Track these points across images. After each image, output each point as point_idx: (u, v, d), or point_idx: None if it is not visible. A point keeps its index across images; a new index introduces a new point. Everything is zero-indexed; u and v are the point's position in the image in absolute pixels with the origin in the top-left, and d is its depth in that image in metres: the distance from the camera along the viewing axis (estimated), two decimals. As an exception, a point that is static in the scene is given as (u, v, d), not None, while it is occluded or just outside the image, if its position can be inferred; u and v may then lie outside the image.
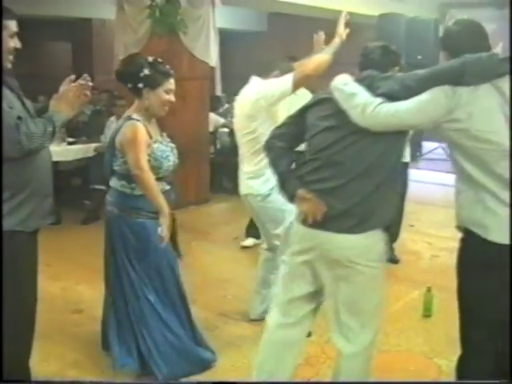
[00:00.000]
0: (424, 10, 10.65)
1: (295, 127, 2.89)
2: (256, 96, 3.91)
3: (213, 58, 7.38)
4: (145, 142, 3.34)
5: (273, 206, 3.98)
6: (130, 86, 3.40)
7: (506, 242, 2.43)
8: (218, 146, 8.99)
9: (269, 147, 2.95)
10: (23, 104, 2.78)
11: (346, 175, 2.65)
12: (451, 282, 5.01)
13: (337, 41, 3.96)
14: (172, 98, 3.47)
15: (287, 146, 2.91)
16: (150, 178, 3.29)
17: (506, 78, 2.46)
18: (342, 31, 3.99)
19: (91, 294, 4.65)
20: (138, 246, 3.44)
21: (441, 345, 3.95)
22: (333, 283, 2.76)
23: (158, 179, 3.38)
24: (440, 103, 2.46)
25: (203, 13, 7.02)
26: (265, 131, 3.69)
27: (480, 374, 2.64)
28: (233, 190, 8.91)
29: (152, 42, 7.02)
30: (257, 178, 4.01)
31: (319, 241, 2.73)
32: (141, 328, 3.45)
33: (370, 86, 2.63)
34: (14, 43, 2.68)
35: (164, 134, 3.61)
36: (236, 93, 4.26)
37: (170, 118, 3.86)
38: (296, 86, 3.82)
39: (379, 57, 2.79)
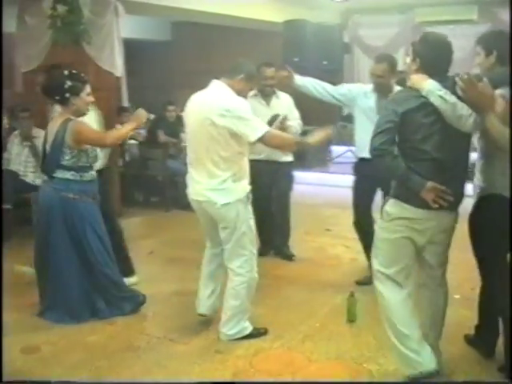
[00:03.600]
0: (328, 15, 10.80)
1: (395, 132, 3.18)
2: (222, 110, 3.76)
3: (118, 68, 7.15)
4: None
5: (231, 214, 3.87)
6: (57, 98, 4.24)
7: None
8: (127, 159, 8.74)
9: (379, 154, 3.18)
10: None
11: (455, 169, 3.22)
12: (372, 285, 5.06)
13: (312, 141, 4.03)
14: (91, 98, 4.34)
15: (393, 149, 3.19)
16: (113, 134, 4.44)
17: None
18: (323, 137, 4.06)
19: None
20: (77, 224, 4.28)
21: (370, 349, 3.91)
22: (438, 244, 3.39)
23: (89, 168, 4.34)
24: None
25: (107, 22, 6.80)
26: (235, 143, 3.79)
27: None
28: (145, 202, 8.73)
29: (56, 52, 6.80)
30: (217, 191, 3.86)
31: (440, 218, 3.26)
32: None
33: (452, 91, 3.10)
34: None
35: None
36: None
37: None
38: (255, 141, 3.79)
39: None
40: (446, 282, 3.55)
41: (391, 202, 3.33)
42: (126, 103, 8.00)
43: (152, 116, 8.76)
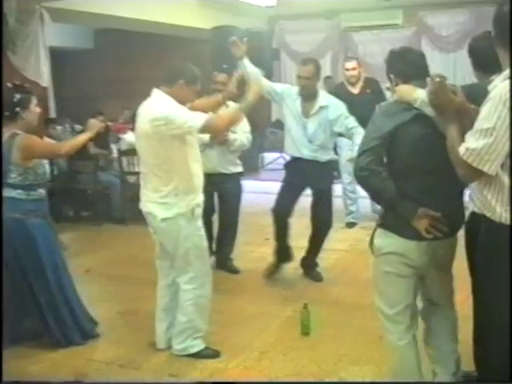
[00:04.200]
0: (255, 22, 10.73)
1: (383, 150, 2.89)
2: (153, 116, 3.58)
3: (44, 78, 6.86)
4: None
5: (171, 229, 3.74)
6: (7, 113, 3.90)
7: None
8: (55, 172, 8.38)
9: (365, 175, 2.87)
10: None
11: (453, 187, 2.85)
12: (321, 294, 5.01)
13: (250, 98, 3.83)
14: (39, 108, 4.11)
15: (383, 169, 2.89)
16: (68, 144, 4.21)
17: None
18: (256, 88, 3.92)
19: None
20: (28, 244, 4.00)
21: (328, 363, 3.83)
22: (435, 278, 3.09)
23: (38, 185, 4.03)
24: None
25: (32, 30, 6.50)
26: (175, 154, 3.63)
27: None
28: (76, 217, 8.39)
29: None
30: (158, 204, 3.73)
31: (434, 249, 2.92)
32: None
33: None
34: None
35: None
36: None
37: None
38: (203, 132, 3.68)
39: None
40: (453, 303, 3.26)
41: (378, 232, 3.02)
42: (53, 114, 7.69)
43: (80, 127, 8.47)
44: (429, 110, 2.77)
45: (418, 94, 2.80)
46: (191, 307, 3.86)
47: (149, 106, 3.72)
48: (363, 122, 6.80)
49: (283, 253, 5.43)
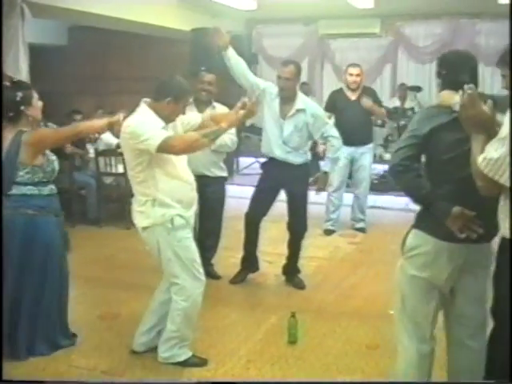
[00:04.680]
0: (233, 25, 10.66)
1: (420, 149, 2.87)
2: (124, 129, 3.57)
3: (23, 73, 6.67)
4: None
5: (151, 238, 3.68)
6: (11, 114, 3.73)
7: None
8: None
9: (400, 170, 2.84)
10: None
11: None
12: (304, 302, 4.97)
13: (224, 126, 3.71)
14: (40, 101, 3.91)
15: (418, 166, 2.89)
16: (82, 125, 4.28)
17: None
18: (234, 118, 3.78)
19: None
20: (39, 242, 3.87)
21: (316, 373, 3.78)
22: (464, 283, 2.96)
23: (47, 182, 3.89)
24: None
25: (12, 25, 6.32)
26: (147, 167, 3.58)
27: None
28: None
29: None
30: (138, 213, 3.71)
31: (467, 253, 2.86)
32: None
33: None
34: None
35: None
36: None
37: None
38: (161, 151, 3.48)
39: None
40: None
41: (412, 233, 2.97)
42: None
43: (53, 125, 8.30)
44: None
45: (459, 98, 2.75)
46: (178, 318, 3.77)
47: (128, 121, 3.65)
48: (357, 128, 6.89)
49: (250, 261, 5.44)
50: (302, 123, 5.03)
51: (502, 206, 2.55)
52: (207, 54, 9.76)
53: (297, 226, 5.33)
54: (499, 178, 2.38)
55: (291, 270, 5.46)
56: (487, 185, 2.45)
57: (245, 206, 5.42)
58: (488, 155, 2.39)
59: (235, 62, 5.04)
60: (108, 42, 11.28)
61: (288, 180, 5.11)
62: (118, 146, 8.20)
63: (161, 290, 3.96)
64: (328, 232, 7.19)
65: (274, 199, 5.25)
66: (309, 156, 5.35)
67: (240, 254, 6.23)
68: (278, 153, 5.08)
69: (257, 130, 11.09)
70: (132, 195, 3.82)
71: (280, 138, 5.06)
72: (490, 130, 2.52)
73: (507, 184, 2.39)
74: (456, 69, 2.89)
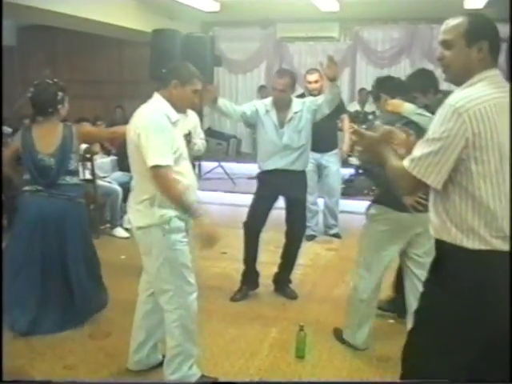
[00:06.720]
0: (190, 27, 10.43)
1: None
2: (135, 128, 3.34)
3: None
4: None
5: (145, 239, 3.46)
6: (50, 110, 4.18)
7: None
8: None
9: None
10: None
11: None
12: (301, 314, 4.79)
13: (199, 231, 3.45)
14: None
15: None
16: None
17: None
18: (207, 230, 3.44)
19: None
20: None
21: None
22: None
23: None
24: None
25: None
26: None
27: None
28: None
29: None
30: (134, 211, 3.50)
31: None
32: None
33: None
34: None
35: None
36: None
37: None
38: (150, 170, 3.27)
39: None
40: None
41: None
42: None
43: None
44: (415, 117, 3.58)
45: (406, 107, 3.68)
46: (177, 329, 3.51)
47: (139, 112, 3.43)
48: (322, 135, 6.74)
49: (251, 277, 5.20)
50: (302, 123, 4.95)
51: (433, 205, 2.43)
52: (168, 56, 9.53)
53: (297, 232, 5.24)
54: (426, 179, 2.29)
55: (283, 280, 5.28)
56: (410, 186, 2.40)
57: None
58: (415, 155, 2.32)
59: (227, 109, 4.94)
60: (58, 42, 10.93)
61: (288, 186, 4.99)
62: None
63: (141, 301, 3.76)
64: (309, 237, 6.96)
65: (272, 207, 5.07)
66: (308, 162, 5.22)
67: (221, 264, 6.07)
68: (282, 163, 4.97)
69: (214, 134, 10.92)
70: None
71: (280, 146, 4.94)
72: (387, 150, 2.53)
73: (434, 186, 2.30)
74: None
